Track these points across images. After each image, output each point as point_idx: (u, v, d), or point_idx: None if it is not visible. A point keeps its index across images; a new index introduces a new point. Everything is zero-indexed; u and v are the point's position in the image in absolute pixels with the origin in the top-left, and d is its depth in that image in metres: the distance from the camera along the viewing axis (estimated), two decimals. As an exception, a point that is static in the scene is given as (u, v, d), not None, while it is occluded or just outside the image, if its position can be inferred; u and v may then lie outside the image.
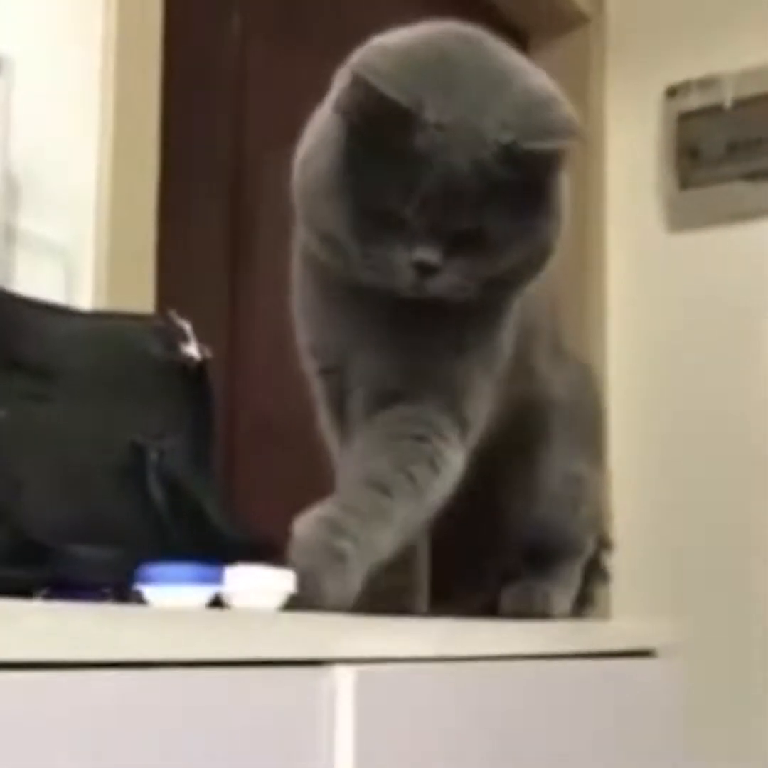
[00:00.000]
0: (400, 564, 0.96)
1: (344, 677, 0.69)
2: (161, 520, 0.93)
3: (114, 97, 1.38)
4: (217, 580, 0.74)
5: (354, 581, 0.84)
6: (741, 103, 2.33)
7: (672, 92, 2.42)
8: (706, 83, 2.37)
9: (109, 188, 1.37)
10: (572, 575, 1.19)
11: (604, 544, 1.30)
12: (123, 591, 0.80)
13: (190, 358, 1.02)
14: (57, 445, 0.90)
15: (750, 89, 2.33)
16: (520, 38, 2.45)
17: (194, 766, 0.59)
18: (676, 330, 2.38)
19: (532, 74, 0.91)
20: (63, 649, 0.52)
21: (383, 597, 0.91)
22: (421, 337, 0.94)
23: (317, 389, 1.03)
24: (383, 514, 0.87)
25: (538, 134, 0.86)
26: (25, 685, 0.51)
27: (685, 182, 2.38)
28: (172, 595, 0.73)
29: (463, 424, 0.96)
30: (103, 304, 1.32)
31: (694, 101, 2.39)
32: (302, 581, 0.78)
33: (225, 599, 0.75)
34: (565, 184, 0.92)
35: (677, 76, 2.41)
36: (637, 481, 2.24)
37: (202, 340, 1.04)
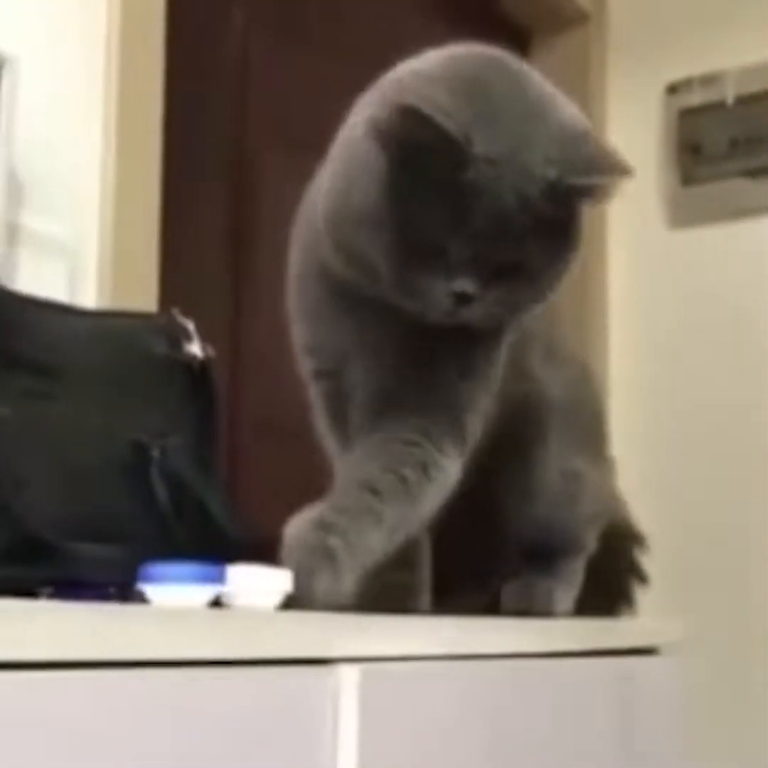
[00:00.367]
0: (402, 563, 0.96)
1: (348, 676, 0.70)
2: (164, 519, 0.93)
3: (117, 96, 1.38)
4: (220, 579, 0.74)
5: (345, 579, 0.84)
6: (742, 100, 2.33)
7: (673, 89, 2.42)
8: (708, 80, 2.37)
9: (113, 187, 1.37)
10: (574, 573, 1.19)
11: (637, 542, 1.31)
12: (126, 590, 0.80)
13: (194, 357, 1.02)
14: (60, 444, 0.90)
15: (751, 86, 2.33)
16: (521, 36, 2.45)
17: (198, 764, 0.59)
18: (678, 326, 2.37)
19: (562, 103, 0.91)
20: (67, 649, 0.52)
21: (386, 596, 0.91)
22: (426, 352, 0.94)
23: (313, 392, 1.03)
24: (373, 513, 0.88)
25: (583, 170, 0.87)
26: (28, 685, 0.51)
27: (686, 179, 2.38)
28: (174, 594, 0.73)
29: (462, 439, 0.97)
30: (106, 303, 1.32)
31: (695, 98, 2.39)
32: (294, 580, 0.79)
33: (227, 598, 0.75)
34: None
35: (679, 73, 2.41)
36: (638, 479, 2.22)
37: (205, 338, 1.04)
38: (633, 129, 2.44)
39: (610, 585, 1.27)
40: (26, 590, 0.79)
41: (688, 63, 2.39)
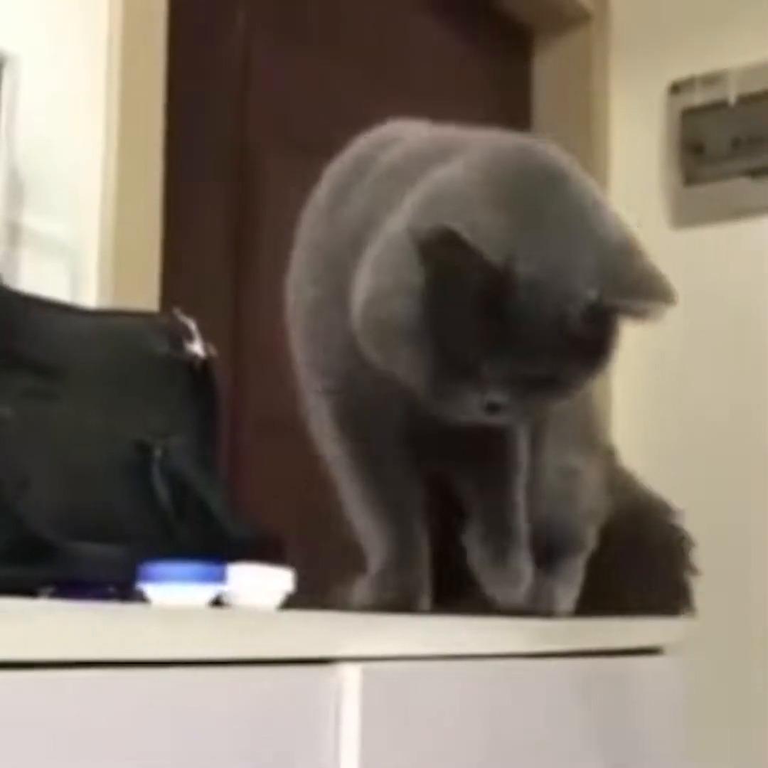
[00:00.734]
0: (403, 563, 0.96)
1: (350, 675, 0.70)
2: (166, 518, 0.93)
3: (119, 95, 1.38)
4: (221, 578, 0.74)
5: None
6: (745, 100, 2.33)
7: (676, 88, 2.41)
8: (710, 79, 2.37)
9: (114, 186, 1.37)
10: (575, 571, 1.18)
11: (688, 540, 1.34)
12: (127, 590, 0.80)
13: (195, 356, 1.02)
14: (62, 444, 0.90)
15: (754, 85, 2.32)
16: (523, 36, 2.45)
17: (199, 764, 0.60)
18: (679, 326, 2.36)
19: (602, 205, 0.91)
20: (68, 649, 0.52)
21: (388, 596, 0.91)
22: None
23: (314, 402, 1.03)
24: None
25: (624, 292, 0.87)
26: (30, 684, 0.51)
27: (689, 178, 2.38)
28: (175, 593, 0.73)
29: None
30: (107, 302, 1.32)
31: (698, 97, 2.39)
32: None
33: (229, 598, 0.75)
34: None
35: (681, 73, 2.40)
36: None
37: (206, 338, 1.04)
38: (635, 128, 2.44)
39: (669, 583, 1.29)
40: (27, 590, 0.79)
41: (690, 62, 2.39)
